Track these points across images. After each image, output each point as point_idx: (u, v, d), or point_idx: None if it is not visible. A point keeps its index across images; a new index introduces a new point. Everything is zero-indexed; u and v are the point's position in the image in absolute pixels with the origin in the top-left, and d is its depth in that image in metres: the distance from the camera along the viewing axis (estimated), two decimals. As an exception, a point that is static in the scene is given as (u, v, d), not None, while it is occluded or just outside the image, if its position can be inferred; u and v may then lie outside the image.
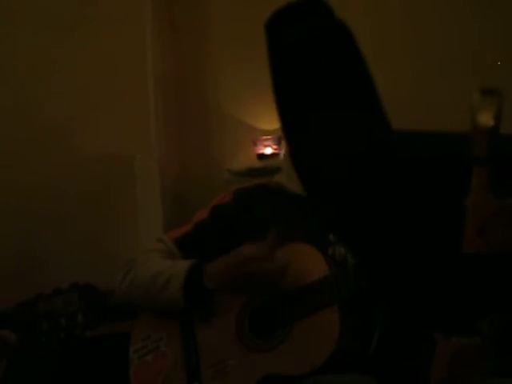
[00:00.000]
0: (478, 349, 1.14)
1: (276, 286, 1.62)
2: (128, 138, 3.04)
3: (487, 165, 0.79)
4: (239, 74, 3.34)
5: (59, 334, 1.76)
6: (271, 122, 3.21)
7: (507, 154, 0.83)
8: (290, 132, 0.86)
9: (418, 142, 0.87)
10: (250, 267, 1.61)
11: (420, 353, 1.57)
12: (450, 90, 2.98)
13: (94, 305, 1.76)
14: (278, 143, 3.23)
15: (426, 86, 3.09)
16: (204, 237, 1.80)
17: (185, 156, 3.45)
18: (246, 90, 3.33)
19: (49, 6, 3.01)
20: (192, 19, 3.45)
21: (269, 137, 3.27)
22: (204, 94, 3.45)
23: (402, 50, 3.13)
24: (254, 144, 3.32)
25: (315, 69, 0.83)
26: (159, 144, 3.14)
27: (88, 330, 1.73)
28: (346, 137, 0.83)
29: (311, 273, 1.61)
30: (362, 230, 0.85)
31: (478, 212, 0.80)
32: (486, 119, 0.78)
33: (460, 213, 0.80)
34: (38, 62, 3.00)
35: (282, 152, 3.16)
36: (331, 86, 0.83)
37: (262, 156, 3.30)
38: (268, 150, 3.29)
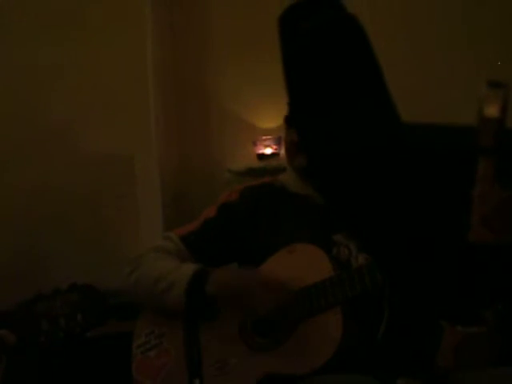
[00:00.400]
0: (484, 337, 1.15)
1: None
2: (128, 137, 3.04)
3: (493, 156, 0.81)
4: (239, 73, 3.34)
5: (58, 334, 1.76)
6: (271, 121, 3.21)
7: None
8: (300, 122, 0.87)
9: (425, 133, 0.88)
10: (250, 298, 1.60)
11: (426, 340, 1.57)
12: (451, 92, 2.99)
13: (93, 305, 1.76)
14: (278, 143, 3.23)
15: (425, 85, 3.09)
16: (211, 235, 1.80)
17: (184, 155, 3.45)
18: (246, 90, 3.33)
19: (49, 6, 3.02)
20: (192, 19, 3.46)
21: (269, 137, 3.28)
22: (204, 94, 3.46)
23: (401, 49, 3.13)
24: (254, 144, 3.32)
25: (327, 60, 0.84)
26: (159, 143, 3.14)
27: (87, 331, 1.73)
28: (357, 126, 0.85)
29: (315, 273, 1.61)
30: (370, 218, 0.86)
31: (484, 202, 0.81)
32: (492, 111, 0.80)
33: (466, 203, 0.81)
34: (38, 62, 2.99)
35: (282, 152, 3.16)
36: (343, 76, 0.84)
37: (262, 156, 3.30)
38: (268, 150, 3.29)
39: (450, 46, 3.11)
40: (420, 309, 1.36)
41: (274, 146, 3.25)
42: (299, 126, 0.87)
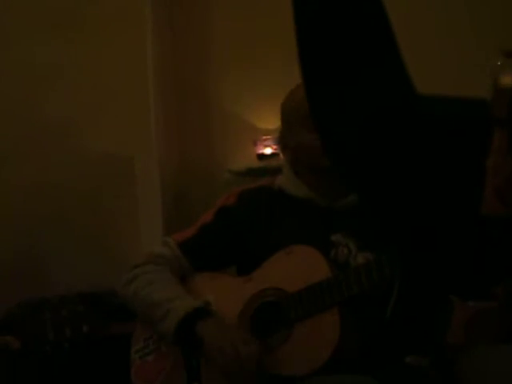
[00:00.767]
0: (495, 313, 1.14)
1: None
2: (128, 137, 3.04)
3: (508, 126, 0.80)
4: (239, 73, 3.34)
5: (64, 345, 1.76)
6: (272, 121, 3.21)
7: None
8: (312, 87, 0.85)
9: (439, 104, 0.87)
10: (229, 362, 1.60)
11: (436, 317, 1.57)
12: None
13: (99, 316, 1.77)
14: (278, 143, 3.23)
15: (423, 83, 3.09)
16: (209, 241, 1.80)
17: (185, 155, 3.45)
18: (246, 90, 3.33)
19: (49, 6, 3.02)
20: (192, 19, 3.46)
21: (269, 137, 3.27)
22: (204, 94, 3.46)
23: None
24: (254, 144, 3.32)
25: (340, 23, 0.83)
26: (159, 143, 3.14)
27: (92, 343, 1.73)
28: (371, 91, 0.83)
29: (313, 275, 1.61)
30: (382, 189, 0.86)
31: (497, 173, 0.81)
32: (508, 81, 0.79)
33: (481, 175, 0.80)
34: (38, 61, 3.00)
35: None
36: (357, 40, 0.83)
37: (262, 156, 3.30)
38: (268, 150, 3.29)
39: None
40: (430, 284, 1.35)
41: (274, 146, 3.25)
42: (311, 95, 0.85)
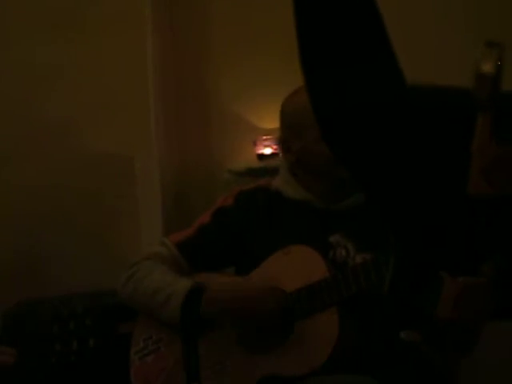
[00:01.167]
0: (484, 288, 1.16)
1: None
2: (128, 137, 3.04)
3: (490, 110, 0.87)
4: (239, 73, 3.34)
5: (70, 358, 1.76)
6: (272, 121, 3.21)
7: (509, 106, 0.91)
8: (310, 78, 0.89)
9: (427, 93, 0.94)
10: (250, 307, 1.60)
11: (426, 291, 1.58)
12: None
13: (106, 331, 1.77)
14: (278, 143, 3.23)
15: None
16: (206, 241, 1.80)
17: (185, 155, 3.45)
18: (246, 90, 3.33)
19: (49, 6, 3.02)
20: (192, 19, 3.45)
21: (269, 137, 3.27)
22: (204, 94, 3.45)
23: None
24: (254, 144, 3.32)
25: (337, 11, 0.87)
26: (159, 143, 3.14)
27: (98, 358, 1.72)
28: (365, 83, 0.88)
29: (311, 275, 1.61)
30: (376, 173, 0.92)
31: (482, 155, 0.87)
32: (488, 67, 0.87)
33: (467, 157, 0.86)
34: (38, 61, 2.99)
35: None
36: (350, 35, 0.88)
37: (262, 156, 3.30)
38: (268, 150, 3.29)
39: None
40: (422, 261, 1.37)
41: (274, 146, 3.25)
42: (309, 80, 0.90)
